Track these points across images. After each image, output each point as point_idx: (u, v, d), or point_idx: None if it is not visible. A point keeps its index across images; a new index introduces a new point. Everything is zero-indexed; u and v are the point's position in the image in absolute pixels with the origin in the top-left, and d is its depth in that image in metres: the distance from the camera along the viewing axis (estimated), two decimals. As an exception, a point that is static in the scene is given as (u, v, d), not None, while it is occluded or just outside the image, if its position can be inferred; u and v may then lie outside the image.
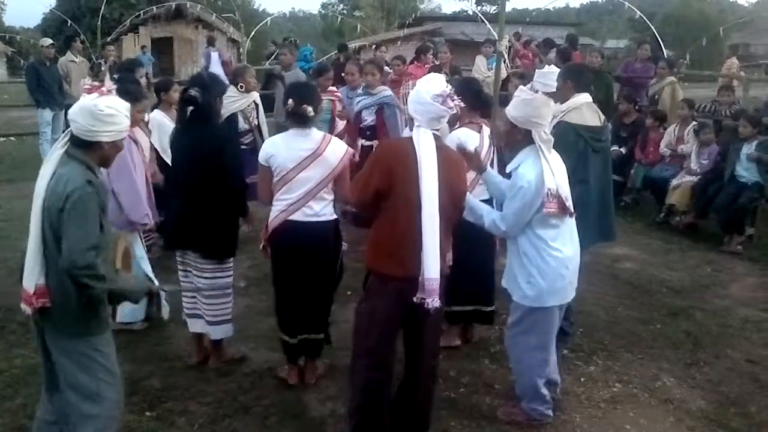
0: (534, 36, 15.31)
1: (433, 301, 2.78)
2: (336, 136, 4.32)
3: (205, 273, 3.71)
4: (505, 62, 9.99)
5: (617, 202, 6.14)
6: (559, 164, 3.20)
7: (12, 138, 11.91)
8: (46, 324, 2.58)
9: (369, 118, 5.81)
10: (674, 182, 7.02)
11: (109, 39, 17.16)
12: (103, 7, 19.27)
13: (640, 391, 3.78)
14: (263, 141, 4.80)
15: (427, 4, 45.24)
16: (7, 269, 4.95)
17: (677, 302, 5.06)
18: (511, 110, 3.16)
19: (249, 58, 16.52)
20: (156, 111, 5.31)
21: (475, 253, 3.87)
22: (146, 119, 4.77)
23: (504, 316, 4.48)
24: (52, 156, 2.56)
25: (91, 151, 2.56)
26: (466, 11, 24.68)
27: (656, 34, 14.40)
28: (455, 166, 2.99)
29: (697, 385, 3.86)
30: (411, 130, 3.02)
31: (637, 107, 8.05)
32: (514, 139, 3.25)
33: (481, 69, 9.90)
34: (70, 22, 20.93)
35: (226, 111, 5.05)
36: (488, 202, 3.56)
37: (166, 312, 3.60)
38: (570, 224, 3.22)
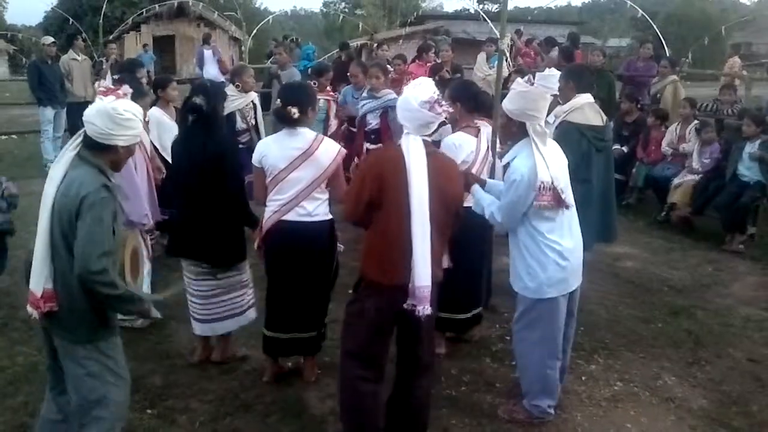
0: (535, 34, 15.27)
1: (424, 309, 2.73)
2: (329, 136, 4.31)
3: (218, 274, 3.72)
4: (507, 60, 9.96)
5: (619, 201, 6.15)
6: (557, 156, 3.19)
7: (14, 136, 11.94)
8: (54, 328, 2.54)
9: (374, 121, 5.79)
10: (676, 181, 7.02)
11: (111, 37, 17.10)
12: (105, 6, 19.25)
13: (641, 389, 3.78)
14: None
15: (428, 3, 45.33)
16: (10, 267, 4.95)
17: (679, 301, 5.06)
18: (507, 103, 3.15)
19: (250, 57, 16.48)
20: (154, 108, 5.31)
21: (463, 259, 3.72)
22: (146, 118, 4.77)
23: (505, 314, 4.50)
24: (62, 158, 2.50)
25: (104, 155, 2.51)
26: (468, 9, 24.62)
27: (658, 32, 14.36)
28: (447, 171, 2.93)
29: (699, 384, 3.86)
30: None
31: (639, 106, 8.05)
32: (509, 132, 3.25)
33: (482, 66, 9.87)
34: (71, 20, 20.90)
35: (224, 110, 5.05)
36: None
37: (155, 312, 3.60)
38: (569, 216, 3.21)
